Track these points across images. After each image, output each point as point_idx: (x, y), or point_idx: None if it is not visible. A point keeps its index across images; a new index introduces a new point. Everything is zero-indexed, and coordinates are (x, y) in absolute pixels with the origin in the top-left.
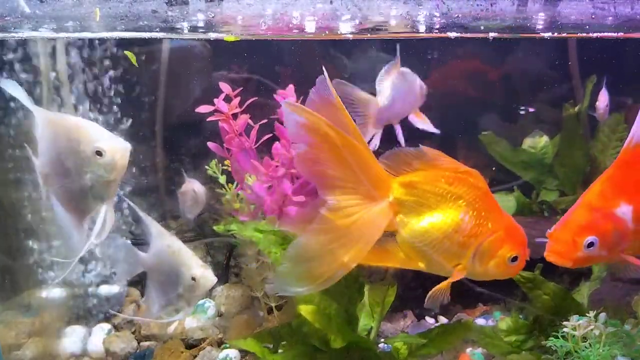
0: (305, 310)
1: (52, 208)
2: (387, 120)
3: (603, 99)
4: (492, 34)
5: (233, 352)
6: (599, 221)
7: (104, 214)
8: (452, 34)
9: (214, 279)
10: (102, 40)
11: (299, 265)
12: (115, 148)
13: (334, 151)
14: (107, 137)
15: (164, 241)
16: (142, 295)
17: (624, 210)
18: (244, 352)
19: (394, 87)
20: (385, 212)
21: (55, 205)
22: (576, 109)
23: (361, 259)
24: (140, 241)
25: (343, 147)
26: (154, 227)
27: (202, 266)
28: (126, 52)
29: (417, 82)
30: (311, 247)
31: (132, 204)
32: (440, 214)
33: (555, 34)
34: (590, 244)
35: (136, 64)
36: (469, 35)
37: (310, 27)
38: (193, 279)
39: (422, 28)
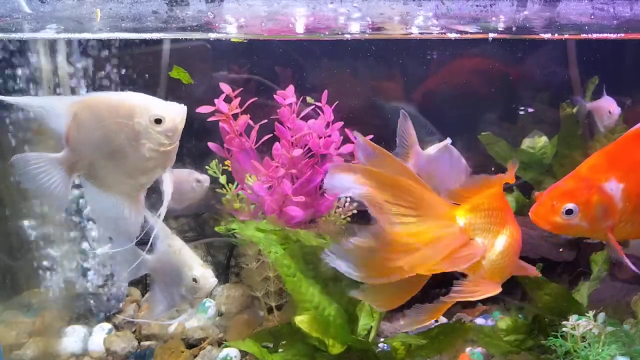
0: (300, 321)
1: (89, 195)
2: None
3: (614, 107)
4: (491, 35)
5: (233, 352)
6: (583, 191)
7: (168, 182)
8: (452, 35)
9: (215, 281)
10: (103, 40)
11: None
12: (173, 112)
13: (391, 192)
14: (161, 103)
15: (167, 241)
16: (143, 295)
17: (613, 186)
18: (244, 352)
19: (437, 166)
20: (458, 236)
21: (91, 191)
22: (574, 110)
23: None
24: (141, 241)
25: (398, 185)
26: (159, 227)
27: (202, 267)
28: (176, 69)
29: (463, 162)
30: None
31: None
32: (507, 228)
33: (555, 35)
34: (569, 211)
35: (190, 82)
36: (468, 35)
37: (310, 28)
38: (194, 280)
39: (422, 28)
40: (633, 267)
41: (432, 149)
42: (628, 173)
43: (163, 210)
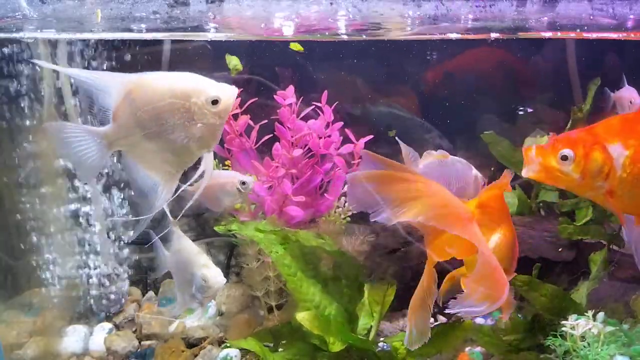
0: (302, 318)
1: (129, 170)
2: None
3: (635, 96)
4: (490, 35)
5: (233, 351)
6: (585, 142)
7: (210, 162)
8: (453, 35)
9: (223, 280)
10: (103, 41)
11: None
12: (227, 94)
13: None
14: (216, 85)
15: (180, 241)
16: (143, 295)
17: (618, 150)
18: (244, 351)
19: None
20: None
21: (133, 166)
22: (582, 114)
23: None
24: (142, 241)
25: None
26: (176, 229)
27: (212, 268)
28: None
29: (471, 174)
30: None
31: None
32: (502, 228)
33: (554, 35)
34: (565, 157)
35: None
36: (468, 35)
37: (310, 28)
38: (204, 279)
39: (422, 29)
40: (627, 239)
41: (423, 162)
42: (638, 143)
43: (202, 186)
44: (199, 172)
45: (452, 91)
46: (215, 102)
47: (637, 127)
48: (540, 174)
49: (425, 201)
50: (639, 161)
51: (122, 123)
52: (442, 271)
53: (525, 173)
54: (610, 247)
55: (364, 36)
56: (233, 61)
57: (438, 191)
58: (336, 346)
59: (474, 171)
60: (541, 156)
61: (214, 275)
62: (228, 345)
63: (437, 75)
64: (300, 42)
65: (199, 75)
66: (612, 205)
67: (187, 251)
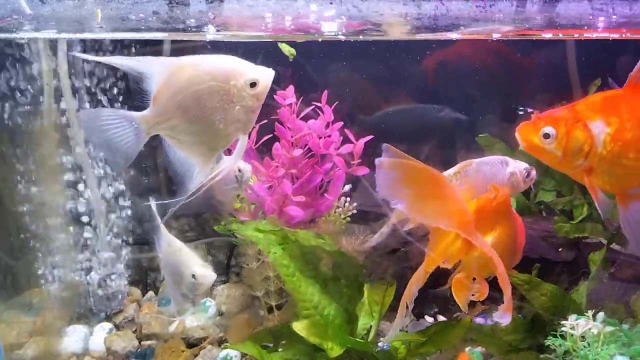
0: (298, 327)
1: (168, 154)
2: None
3: None
4: (487, 35)
5: (233, 351)
6: (567, 120)
7: (243, 145)
8: (454, 35)
9: (214, 276)
10: (103, 41)
11: None
12: (265, 76)
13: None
14: (255, 67)
15: (167, 240)
16: (144, 295)
17: (599, 127)
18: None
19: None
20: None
21: (169, 150)
22: None
23: None
24: (142, 240)
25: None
26: (162, 230)
27: (201, 265)
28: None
29: (504, 172)
30: None
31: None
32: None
33: (554, 35)
34: (547, 135)
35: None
36: (468, 36)
37: (309, 28)
38: (193, 276)
39: (422, 29)
40: (602, 213)
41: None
42: (619, 120)
43: (234, 160)
44: (235, 155)
45: (452, 92)
46: (253, 84)
47: (619, 104)
48: (531, 151)
49: (447, 207)
50: (620, 139)
51: (162, 107)
52: (439, 274)
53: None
54: (610, 246)
55: (361, 37)
56: (286, 48)
57: (455, 195)
58: (335, 351)
59: (510, 167)
60: (525, 134)
61: (203, 272)
62: (228, 345)
63: (444, 75)
64: (299, 41)
65: (237, 58)
66: (589, 183)
67: (175, 250)
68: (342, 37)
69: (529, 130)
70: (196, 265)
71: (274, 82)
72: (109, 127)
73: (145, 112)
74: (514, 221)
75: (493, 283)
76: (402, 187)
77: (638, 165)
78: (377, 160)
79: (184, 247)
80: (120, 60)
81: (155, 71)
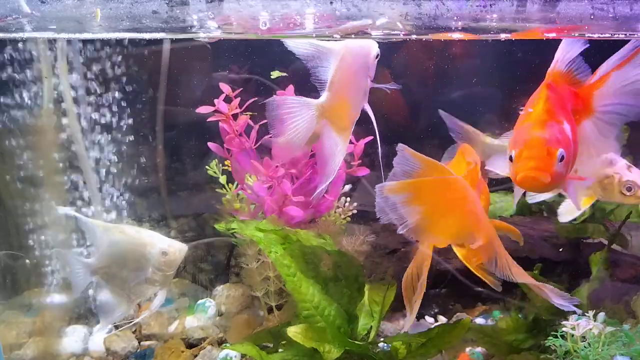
0: (293, 333)
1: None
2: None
3: None
4: (491, 35)
5: (233, 352)
6: (561, 135)
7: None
8: (455, 35)
9: (185, 247)
10: (103, 41)
11: None
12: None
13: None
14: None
15: (115, 232)
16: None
17: (567, 128)
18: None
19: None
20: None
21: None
22: None
23: None
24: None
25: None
26: (95, 225)
27: (167, 239)
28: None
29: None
30: None
31: (67, 210)
32: None
33: (554, 35)
34: (562, 157)
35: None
36: (468, 36)
37: (310, 28)
38: (164, 253)
39: (422, 28)
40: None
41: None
42: (566, 115)
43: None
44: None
45: (452, 92)
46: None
47: (557, 100)
48: (552, 183)
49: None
50: (574, 128)
51: (335, 92)
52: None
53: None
54: (611, 246)
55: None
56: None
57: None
58: (332, 354)
59: (611, 170)
60: (548, 165)
61: (173, 245)
62: (228, 345)
63: (444, 75)
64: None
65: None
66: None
67: (129, 235)
68: (340, 37)
69: (546, 162)
70: (163, 240)
71: (273, 82)
72: (293, 112)
73: (320, 98)
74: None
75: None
76: (411, 209)
77: None
78: (377, 187)
79: (141, 229)
80: (305, 46)
81: (332, 58)
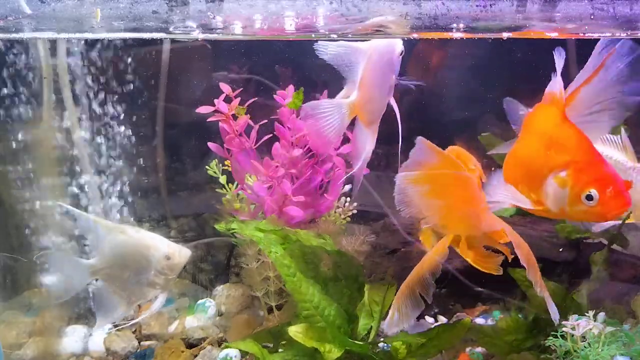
0: (294, 332)
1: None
2: None
3: None
4: (490, 35)
5: (233, 352)
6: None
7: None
8: (455, 35)
9: (188, 252)
10: (103, 41)
11: None
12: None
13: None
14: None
15: (118, 233)
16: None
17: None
18: (244, 352)
19: None
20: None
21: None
22: None
23: None
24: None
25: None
26: (99, 225)
27: (171, 243)
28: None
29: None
30: None
31: (70, 208)
32: None
33: (554, 35)
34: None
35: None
36: (468, 35)
37: (310, 27)
38: (167, 257)
39: (422, 28)
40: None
41: None
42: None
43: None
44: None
45: (452, 92)
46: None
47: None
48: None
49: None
50: None
51: (363, 91)
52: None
53: None
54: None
55: (369, 35)
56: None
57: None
58: (332, 354)
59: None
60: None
61: (177, 250)
62: (228, 345)
63: (444, 75)
64: (299, 41)
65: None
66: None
67: (132, 237)
68: (342, 37)
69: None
70: (166, 244)
71: (273, 82)
72: (326, 113)
73: (350, 98)
74: None
75: (492, 283)
76: (429, 201)
77: None
78: (397, 177)
79: (144, 231)
80: (337, 48)
81: (361, 58)
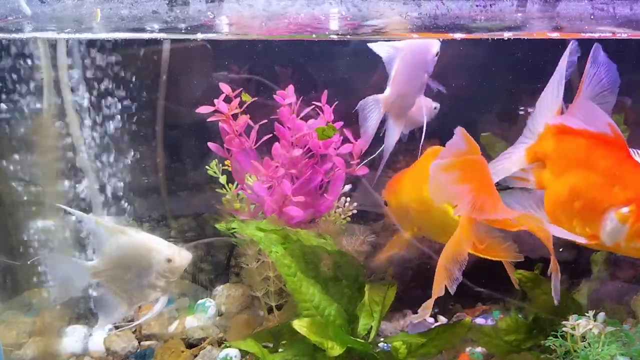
0: (298, 325)
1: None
2: None
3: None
4: (490, 35)
5: (233, 352)
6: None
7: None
8: (456, 35)
9: (190, 255)
10: (103, 41)
11: None
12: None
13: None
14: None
15: (120, 235)
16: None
17: None
18: (244, 352)
19: None
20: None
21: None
22: None
23: None
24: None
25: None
26: (101, 227)
27: (173, 246)
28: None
29: None
30: None
31: (71, 210)
32: None
33: (554, 35)
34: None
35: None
36: (469, 35)
37: (310, 28)
38: (169, 260)
39: (422, 28)
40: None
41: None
42: None
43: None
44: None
45: (453, 92)
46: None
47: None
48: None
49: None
50: None
51: (395, 88)
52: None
53: None
54: None
55: (369, 35)
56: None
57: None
58: (335, 350)
59: None
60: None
61: (178, 253)
62: (228, 345)
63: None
64: (299, 41)
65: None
66: None
67: (134, 239)
68: (340, 37)
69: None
70: (168, 247)
71: (273, 81)
72: (369, 109)
73: (384, 93)
74: None
75: (492, 283)
76: (463, 188)
77: None
78: (432, 165)
79: (146, 234)
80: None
81: (396, 56)
